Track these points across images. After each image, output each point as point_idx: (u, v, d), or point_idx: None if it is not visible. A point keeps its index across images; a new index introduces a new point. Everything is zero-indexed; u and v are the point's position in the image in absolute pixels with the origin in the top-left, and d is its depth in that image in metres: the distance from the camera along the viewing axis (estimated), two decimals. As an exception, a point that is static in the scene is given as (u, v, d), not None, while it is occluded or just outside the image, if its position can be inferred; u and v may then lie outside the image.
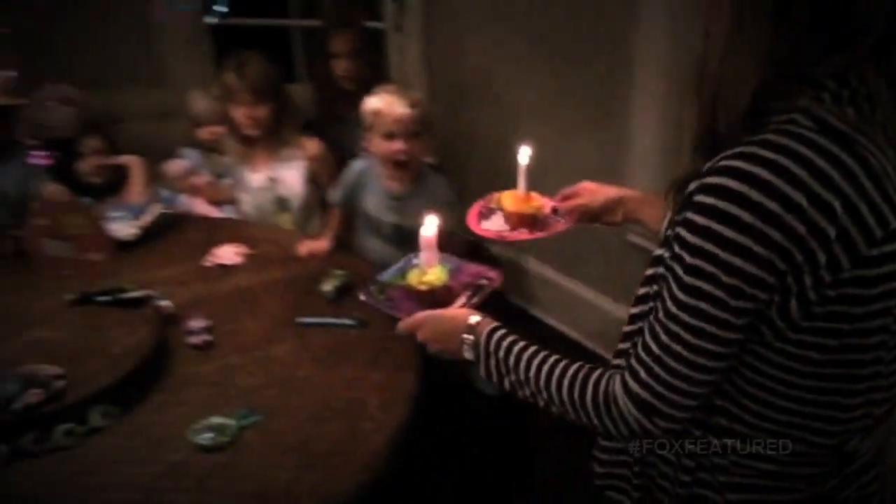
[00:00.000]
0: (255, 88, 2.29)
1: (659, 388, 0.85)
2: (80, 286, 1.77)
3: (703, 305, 0.80)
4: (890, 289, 0.79)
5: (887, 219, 0.76)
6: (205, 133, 2.58)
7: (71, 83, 2.41)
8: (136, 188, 2.38)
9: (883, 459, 1.00)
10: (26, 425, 1.37)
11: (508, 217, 1.48)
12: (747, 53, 0.78)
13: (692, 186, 0.79)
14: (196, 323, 1.73)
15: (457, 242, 2.19)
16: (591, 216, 1.40)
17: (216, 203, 2.60)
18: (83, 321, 1.68)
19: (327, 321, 1.75)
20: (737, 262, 0.76)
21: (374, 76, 2.41)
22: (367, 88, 2.13)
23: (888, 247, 0.77)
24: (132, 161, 2.41)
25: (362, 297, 1.40)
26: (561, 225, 1.45)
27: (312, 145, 2.43)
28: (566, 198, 1.43)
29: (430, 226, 1.24)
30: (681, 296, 0.81)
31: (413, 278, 1.28)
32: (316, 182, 2.44)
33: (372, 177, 2.14)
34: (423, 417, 1.52)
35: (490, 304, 1.28)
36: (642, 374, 0.86)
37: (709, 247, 0.77)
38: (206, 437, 1.38)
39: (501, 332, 1.07)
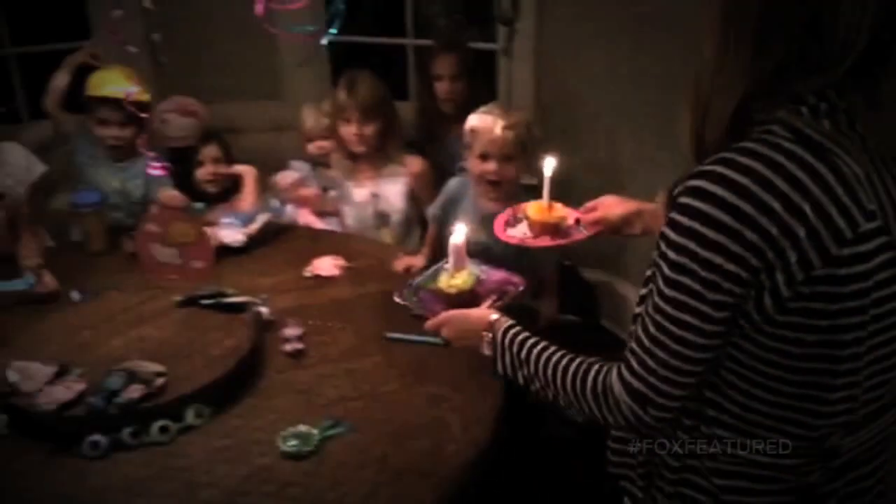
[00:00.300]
0: (363, 107, 2.34)
1: (650, 379, 0.92)
2: (186, 289, 1.87)
3: (684, 298, 0.87)
4: (862, 288, 0.85)
5: (857, 221, 0.83)
6: (313, 147, 2.67)
7: (195, 95, 2.56)
8: (248, 197, 2.49)
9: (882, 454, 1.02)
10: (126, 419, 1.45)
11: (532, 225, 1.58)
12: (732, 72, 0.87)
13: (678, 189, 0.86)
14: (291, 331, 1.79)
15: (551, 264, 2.17)
16: (612, 228, 1.49)
17: (321, 215, 2.67)
18: (186, 322, 1.77)
19: (415, 338, 1.77)
20: (714, 259, 0.83)
21: (476, 99, 2.43)
22: (467, 111, 2.14)
23: (859, 247, 0.83)
24: (246, 171, 2.52)
25: (396, 299, 1.50)
26: (581, 235, 1.54)
27: (415, 163, 2.46)
28: (589, 210, 1.52)
29: (458, 233, 1.36)
30: (666, 290, 0.88)
31: (442, 282, 1.40)
32: (416, 199, 2.47)
33: (467, 195, 2.15)
34: (505, 442, 1.51)
35: (581, 329, 1.29)
36: (635, 364, 0.93)
37: (690, 245, 0.84)
38: (291, 445, 1.42)
39: (516, 329, 1.16)
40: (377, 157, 2.46)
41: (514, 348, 1.13)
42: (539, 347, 1.09)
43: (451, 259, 1.38)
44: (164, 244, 1.80)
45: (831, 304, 0.85)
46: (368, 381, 1.65)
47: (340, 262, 2.16)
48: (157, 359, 1.59)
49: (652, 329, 0.91)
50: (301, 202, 2.66)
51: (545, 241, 1.57)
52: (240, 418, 1.53)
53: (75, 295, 1.96)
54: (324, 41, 1.42)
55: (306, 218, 2.61)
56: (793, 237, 0.81)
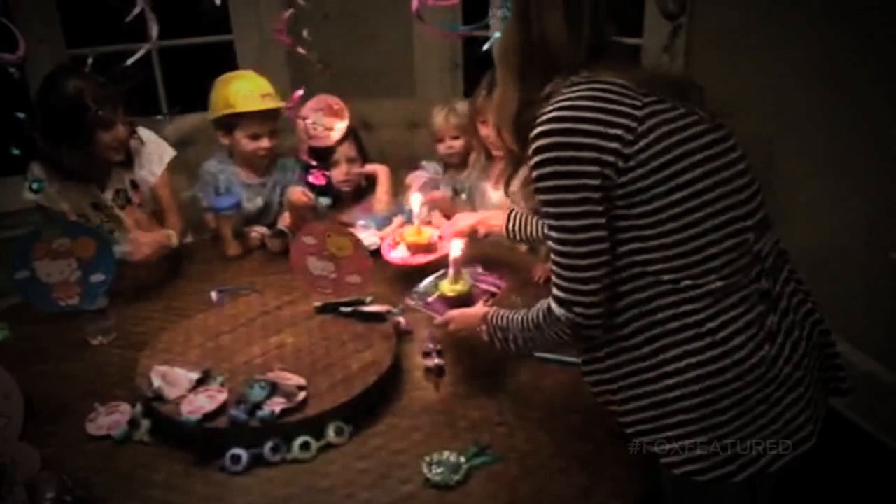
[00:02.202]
0: None
1: (567, 284, 1.21)
2: (324, 294, 1.82)
3: (560, 212, 1.20)
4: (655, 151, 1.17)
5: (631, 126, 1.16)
6: (443, 147, 2.57)
7: (328, 91, 2.52)
8: (383, 197, 2.43)
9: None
10: (267, 433, 1.40)
11: (409, 247, 1.99)
12: (510, 90, 1.31)
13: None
14: (431, 344, 1.69)
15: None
16: (464, 235, 1.95)
17: (451, 218, 2.58)
18: (324, 330, 1.71)
19: (564, 359, 1.64)
20: (569, 175, 1.17)
21: None
22: None
23: (641, 126, 1.16)
24: (380, 170, 2.46)
25: (407, 301, 1.76)
26: (444, 250, 1.93)
27: None
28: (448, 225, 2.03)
29: (456, 248, 1.70)
30: (550, 220, 1.21)
31: (444, 287, 1.70)
32: None
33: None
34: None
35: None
36: (555, 281, 1.24)
37: (551, 183, 1.19)
38: (437, 473, 1.33)
39: (500, 313, 1.45)
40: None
41: (500, 325, 1.43)
42: (511, 315, 1.41)
43: (451, 269, 1.69)
44: (319, 257, 1.75)
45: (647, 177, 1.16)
46: (514, 403, 1.54)
47: (479, 270, 2.05)
48: (295, 369, 1.54)
49: (554, 249, 1.21)
50: (432, 204, 2.58)
51: (420, 259, 1.96)
52: (380, 438, 1.45)
53: (214, 295, 1.95)
54: (486, 47, 1.35)
55: (438, 222, 2.52)
56: (602, 147, 1.15)
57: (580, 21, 1.24)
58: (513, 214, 1.91)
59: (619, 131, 1.15)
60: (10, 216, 2.79)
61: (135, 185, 2.22)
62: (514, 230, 1.92)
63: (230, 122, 2.31)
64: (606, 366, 1.27)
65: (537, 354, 1.67)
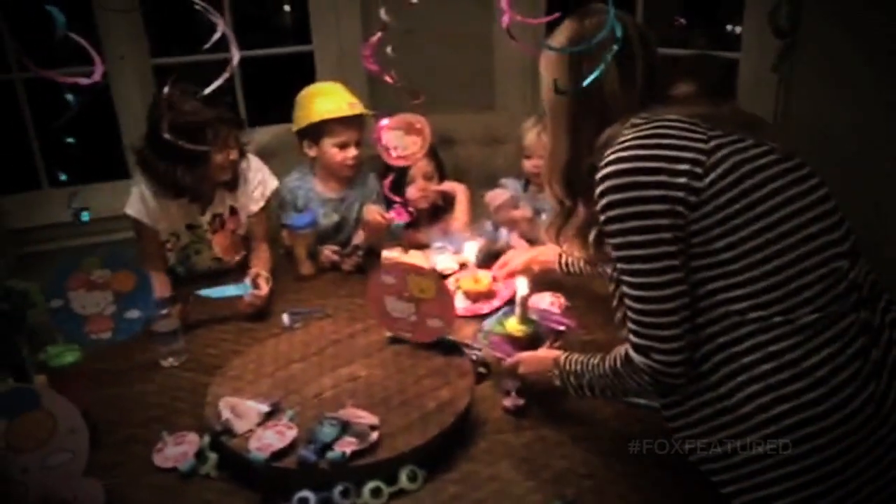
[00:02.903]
0: None
1: (644, 330, 1.16)
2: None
3: (638, 263, 1.16)
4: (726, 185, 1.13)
5: (699, 157, 1.14)
6: (530, 165, 2.46)
7: (406, 106, 2.44)
8: (461, 216, 2.34)
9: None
10: (337, 475, 1.32)
11: (467, 295, 1.93)
12: (560, 142, 1.32)
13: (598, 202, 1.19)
14: (511, 382, 1.59)
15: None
16: (518, 273, 1.90)
17: (531, 241, 2.47)
18: (398, 363, 1.62)
19: (654, 404, 1.51)
20: (643, 223, 1.14)
21: None
22: None
23: (710, 160, 1.13)
24: (458, 188, 2.38)
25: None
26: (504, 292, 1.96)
27: None
28: (500, 267, 2.01)
29: (522, 286, 1.66)
30: (623, 265, 1.18)
31: (511, 327, 1.63)
32: None
33: None
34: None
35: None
36: (632, 327, 1.18)
37: (623, 226, 1.16)
38: (517, 532, 1.22)
39: (573, 357, 1.40)
40: None
41: (573, 371, 1.38)
42: (585, 361, 1.36)
43: (518, 307, 1.64)
44: (399, 297, 1.66)
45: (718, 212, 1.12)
46: (602, 454, 1.41)
47: (560, 299, 1.94)
48: (367, 405, 1.46)
49: (629, 295, 1.17)
50: (510, 224, 2.47)
51: (483, 308, 1.91)
52: (456, 486, 1.35)
53: (286, 318, 1.89)
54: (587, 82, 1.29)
55: (517, 243, 2.41)
56: (671, 184, 1.12)
57: (633, 71, 1.24)
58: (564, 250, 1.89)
59: (686, 166, 1.12)
60: (57, 227, 2.81)
61: (233, 210, 2.19)
62: (566, 264, 1.91)
63: (317, 133, 2.26)
64: (694, 420, 1.20)
65: (627, 399, 1.55)
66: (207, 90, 1.20)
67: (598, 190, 1.17)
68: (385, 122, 1.84)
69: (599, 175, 1.17)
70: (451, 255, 2.10)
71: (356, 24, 3.21)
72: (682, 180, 1.11)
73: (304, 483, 1.31)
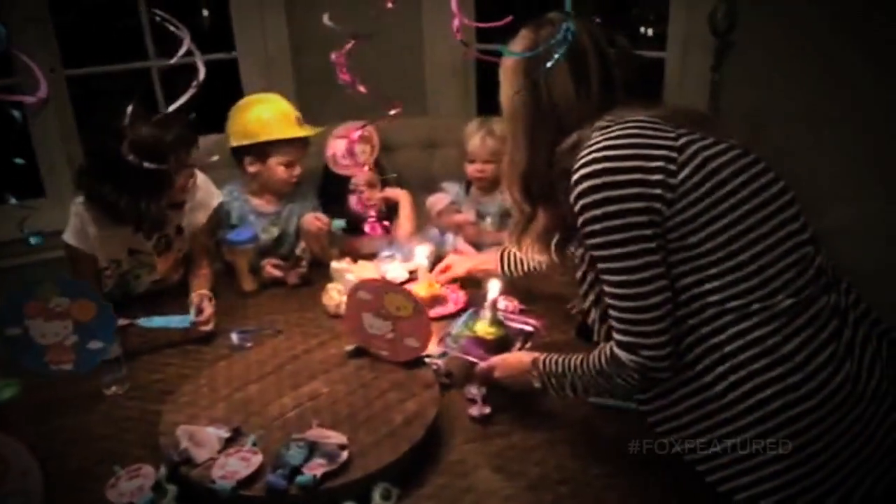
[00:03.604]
0: None
1: (629, 328, 1.17)
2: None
3: (619, 259, 1.16)
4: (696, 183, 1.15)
5: (672, 156, 1.15)
6: (473, 170, 2.45)
7: (337, 113, 2.39)
8: (405, 224, 2.31)
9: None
10: (308, 499, 1.27)
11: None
12: (519, 150, 1.32)
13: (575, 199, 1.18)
14: (475, 390, 1.57)
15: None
16: (462, 279, 1.96)
17: (476, 245, 2.45)
18: (360, 377, 1.58)
19: (627, 405, 1.52)
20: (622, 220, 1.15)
21: None
22: None
23: (682, 158, 1.15)
24: (401, 195, 2.34)
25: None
26: (455, 301, 1.97)
27: None
28: (442, 272, 1.99)
29: (494, 289, 1.70)
30: (604, 264, 1.18)
31: (481, 330, 1.64)
32: None
33: None
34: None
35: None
36: (616, 326, 1.19)
37: (601, 226, 1.16)
38: (501, 546, 1.20)
39: (550, 358, 1.39)
40: None
41: (554, 371, 1.37)
42: (567, 361, 1.35)
43: (488, 310, 1.66)
44: (376, 314, 1.61)
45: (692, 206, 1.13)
46: (575, 458, 1.41)
47: (515, 303, 1.93)
48: (333, 423, 1.41)
49: (611, 293, 1.17)
50: (453, 228, 2.45)
51: (437, 312, 1.87)
52: (431, 501, 1.32)
53: (234, 337, 1.82)
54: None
55: (463, 247, 2.39)
56: (646, 181, 1.13)
57: (588, 78, 1.26)
58: (506, 254, 1.90)
59: (660, 163, 1.14)
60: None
61: (180, 229, 2.07)
62: (510, 269, 1.90)
63: (262, 151, 2.16)
64: (677, 412, 1.21)
65: (592, 399, 1.55)
66: (171, 108, 1.12)
67: (574, 192, 1.17)
68: (337, 130, 1.77)
69: (574, 178, 1.17)
70: (400, 263, 2.06)
71: (282, 31, 3.14)
72: (657, 177, 1.13)
73: (275, 510, 1.26)
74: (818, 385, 1.12)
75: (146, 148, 1.74)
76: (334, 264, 2.02)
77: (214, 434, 1.38)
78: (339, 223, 2.16)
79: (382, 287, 1.61)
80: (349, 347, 1.66)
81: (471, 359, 1.59)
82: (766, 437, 1.12)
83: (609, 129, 1.20)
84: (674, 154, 1.15)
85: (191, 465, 1.33)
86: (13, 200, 1.34)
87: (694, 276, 1.15)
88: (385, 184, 2.41)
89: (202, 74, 1.09)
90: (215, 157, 1.89)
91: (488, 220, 2.51)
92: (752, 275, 1.14)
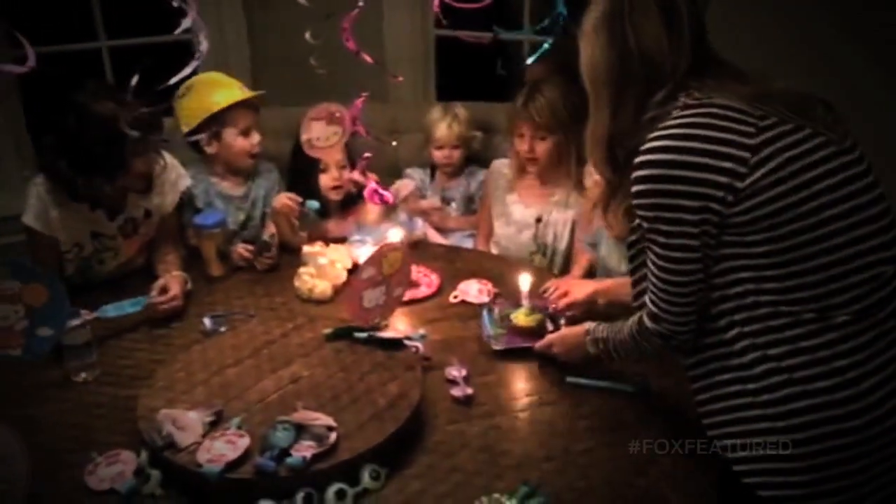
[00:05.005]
0: (537, 122, 2.11)
1: (657, 300, 1.21)
2: (334, 320, 1.69)
3: (664, 238, 1.16)
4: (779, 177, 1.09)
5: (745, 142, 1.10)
6: (440, 156, 2.46)
7: (293, 95, 2.34)
8: (374, 208, 2.29)
9: None
10: (298, 482, 1.26)
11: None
12: (602, 114, 1.26)
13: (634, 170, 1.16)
14: (455, 372, 1.59)
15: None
16: (580, 308, 1.75)
17: (441, 230, 2.46)
18: (340, 360, 1.57)
19: (601, 384, 1.55)
20: (673, 204, 1.13)
21: None
22: None
23: (758, 155, 1.09)
24: (370, 177, 2.32)
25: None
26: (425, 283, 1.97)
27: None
28: (560, 296, 1.78)
29: (525, 282, 1.78)
30: (652, 239, 1.19)
31: (522, 319, 1.73)
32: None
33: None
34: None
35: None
36: (650, 295, 1.23)
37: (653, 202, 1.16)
38: (493, 521, 1.21)
39: (599, 325, 1.48)
40: (551, 176, 2.23)
41: (602, 337, 1.44)
42: (610, 327, 1.43)
43: (524, 301, 1.76)
44: (375, 286, 1.61)
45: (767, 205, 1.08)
46: (557, 436, 1.44)
47: (489, 286, 1.95)
48: (317, 405, 1.40)
49: (652, 263, 1.20)
50: (419, 214, 2.45)
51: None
52: (419, 481, 1.33)
53: (207, 322, 1.78)
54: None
55: (430, 233, 2.40)
56: (709, 181, 1.09)
57: (680, 24, 1.17)
58: None
59: (729, 164, 1.08)
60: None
61: (148, 213, 2.01)
62: (633, 297, 1.56)
63: (216, 125, 2.11)
64: (720, 408, 1.19)
65: (569, 379, 1.58)
66: (172, 80, 1.09)
67: (636, 174, 1.15)
68: (311, 112, 1.75)
69: (639, 159, 1.15)
70: (371, 247, 2.05)
71: (238, 10, 3.07)
72: (721, 179, 1.09)
73: (264, 493, 1.25)
74: (867, 406, 1.07)
75: (99, 124, 1.71)
76: (306, 248, 2.00)
77: (197, 418, 1.36)
78: (313, 203, 2.13)
79: (380, 254, 1.63)
80: (326, 331, 1.64)
81: (521, 345, 1.68)
82: (800, 446, 1.09)
83: (687, 113, 1.13)
84: (746, 154, 1.09)
85: (175, 450, 1.30)
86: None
87: (749, 273, 1.12)
88: (353, 165, 2.39)
89: (204, 46, 1.06)
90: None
91: (453, 205, 2.53)
92: (813, 284, 1.09)
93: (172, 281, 1.86)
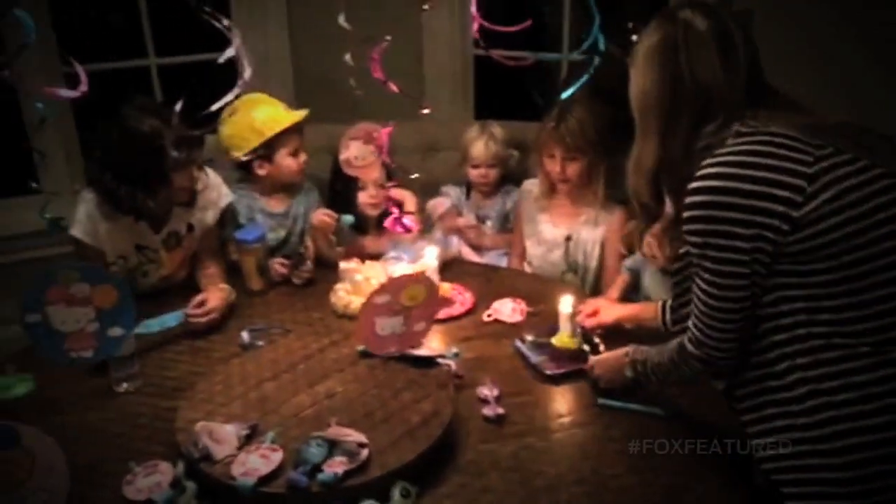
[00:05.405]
0: (568, 143, 2.11)
1: (701, 325, 1.21)
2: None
3: (713, 265, 1.16)
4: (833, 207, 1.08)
5: (803, 171, 1.09)
6: (476, 174, 2.47)
7: (338, 114, 2.39)
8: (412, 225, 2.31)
9: None
10: (330, 497, 1.28)
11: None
12: (650, 143, 1.25)
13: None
14: (487, 391, 1.59)
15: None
16: (608, 327, 1.78)
17: (477, 248, 2.48)
18: (374, 377, 1.59)
19: (633, 406, 1.55)
20: (723, 232, 1.13)
21: None
22: None
23: (813, 186, 1.08)
24: (406, 196, 2.34)
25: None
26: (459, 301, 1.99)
27: (619, 216, 2.17)
28: (590, 315, 1.79)
29: (566, 304, 1.74)
30: (701, 265, 1.18)
31: (562, 342, 1.74)
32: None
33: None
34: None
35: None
36: (694, 319, 1.23)
37: (703, 228, 1.15)
38: (523, 544, 1.22)
39: (640, 347, 1.46)
40: (580, 196, 2.23)
41: (640, 359, 1.43)
42: (649, 349, 1.42)
43: (567, 323, 1.74)
44: (390, 314, 1.60)
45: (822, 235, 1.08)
46: (588, 458, 1.43)
47: (522, 305, 1.96)
48: (350, 422, 1.42)
49: (699, 287, 1.19)
50: (455, 232, 2.47)
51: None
52: (450, 500, 1.34)
53: (245, 336, 1.82)
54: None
55: (466, 251, 2.42)
56: (765, 210, 1.09)
57: (736, 56, 1.17)
58: (668, 306, 1.63)
59: (786, 193, 1.08)
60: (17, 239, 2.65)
61: (191, 227, 2.06)
62: (672, 322, 1.57)
63: (268, 149, 2.16)
64: (768, 429, 1.19)
65: (601, 401, 1.58)
66: (214, 107, 1.13)
67: (689, 199, 1.15)
68: (351, 132, 1.78)
69: (693, 185, 1.15)
70: (406, 264, 2.08)
71: (283, 28, 3.14)
72: (778, 208, 1.09)
73: (296, 507, 1.27)
74: None
75: (142, 140, 1.77)
76: (343, 264, 2.03)
77: (233, 431, 1.38)
78: (348, 218, 2.16)
79: (402, 283, 1.62)
80: (361, 347, 1.66)
81: (562, 370, 1.68)
82: (853, 484, 1.08)
83: (743, 140, 1.14)
84: (803, 183, 1.08)
85: (210, 462, 1.33)
86: (34, 185, 1.33)
87: (803, 304, 1.12)
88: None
89: (248, 74, 1.09)
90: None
91: (489, 223, 2.54)
92: (870, 317, 1.08)
93: (212, 294, 1.90)
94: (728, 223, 1.11)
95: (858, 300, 1.09)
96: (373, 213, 2.29)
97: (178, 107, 1.22)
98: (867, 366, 1.08)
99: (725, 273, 1.14)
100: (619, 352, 1.52)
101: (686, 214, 1.16)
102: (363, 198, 2.26)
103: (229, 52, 1.11)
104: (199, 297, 1.89)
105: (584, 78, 1.35)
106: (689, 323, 1.24)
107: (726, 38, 1.17)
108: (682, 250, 1.26)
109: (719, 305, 1.17)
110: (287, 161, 2.19)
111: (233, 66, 1.30)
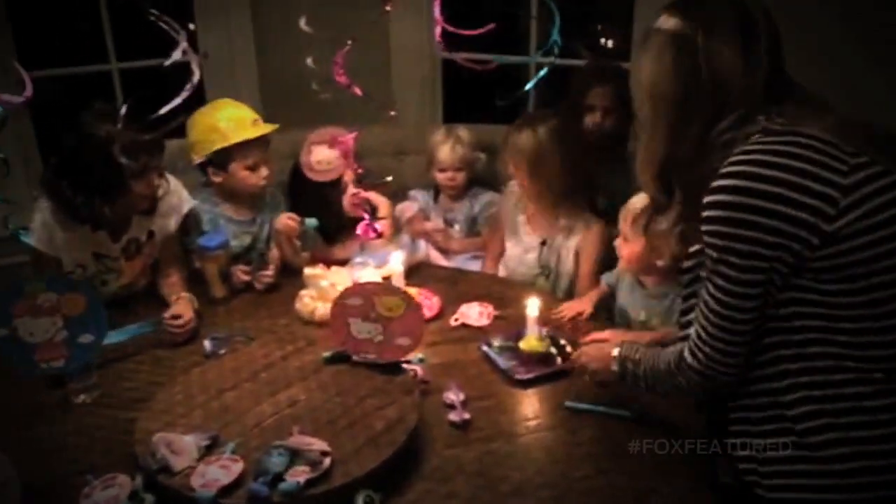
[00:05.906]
0: (526, 160, 2.07)
1: (707, 336, 1.13)
2: (332, 343, 1.68)
3: (727, 275, 1.09)
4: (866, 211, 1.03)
5: (836, 180, 1.02)
6: (443, 178, 2.46)
7: (304, 120, 2.37)
8: (385, 230, 2.29)
9: None
10: (291, 507, 1.26)
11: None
12: (659, 137, 1.18)
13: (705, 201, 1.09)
14: (453, 395, 1.58)
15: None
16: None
17: (444, 252, 2.46)
18: (338, 384, 1.57)
19: (600, 409, 1.54)
20: (745, 239, 1.06)
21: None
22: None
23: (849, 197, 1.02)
24: (381, 202, 2.30)
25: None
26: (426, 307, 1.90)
27: (596, 228, 2.13)
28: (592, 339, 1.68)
29: (533, 307, 1.73)
30: (712, 275, 1.11)
31: (530, 345, 1.71)
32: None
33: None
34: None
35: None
36: (698, 330, 1.15)
37: (723, 237, 1.08)
38: (487, 551, 1.20)
39: (634, 344, 1.40)
40: (554, 204, 2.16)
41: (633, 358, 1.35)
42: (644, 349, 1.35)
43: (535, 326, 1.73)
44: (365, 319, 1.59)
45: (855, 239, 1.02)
46: (556, 462, 1.43)
47: (489, 309, 1.95)
48: (313, 430, 1.40)
49: (707, 294, 1.12)
50: (423, 236, 2.45)
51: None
52: (414, 507, 1.32)
53: (207, 344, 1.79)
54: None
55: (434, 255, 2.40)
56: (791, 217, 1.02)
57: (757, 47, 1.09)
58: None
59: (818, 203, 1.01)
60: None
61: (151, 234, 2.02)
62: (679, 326, 1.49)
63: (223, 158, 2.11)
64: (769, 457, 1.14)
65: (568, 404, 1.57)
66: (164, 109, 1.10)
67: (711, 198, 1.07)
68: (314, 136, 1.75)
69: (717, 182, 1.06)
70: (373, 269, 2.05)
71: (247, 31, 3.11)
72: (809, 219, 1.02)
73: (257, 518, 1.24)
74: None
75: (98, 147, 1.73)
76: (307, 270, 2.00)
77: (192, 442, 1.35)
78: (312, 221, 2.13)
79: (375, 290, 1.61)
80: (326, 354, 1.64)
81: (527, 375, 1.66)
82: None
83: (773, 140, 1.05)
84: (837, 194, 1.01)
85: (169, 474, 1.30)
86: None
87: (819, 322, 1.07)
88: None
89: (196, 77, 1.07)
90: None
91: (457, 227, 2.53)
92: (888, 344, 1.05)
93: (183, 306, 1.87)
94: (752, 227, 1.03)
95: (879, 325, 1.04)
96: (352, 214, 2.24)
97: (122, 111, 1.18)
98: (878, 392, 1.05)
99: (741, 280, 1.06)
100: (607, 347, 1.44)
101: (706, 214, 1.08)
102: (346, 200, 2.21)
103: (176, 55, 1.08)
104: (171, 311, 1.85)
105: (543, 72, 1.33)
106: (692, 331, 1.16)
107: (749, 28, 1.09)
108: (692, 248, 1.18)
109: (730, 314, 1.09)
110: (241, 174, 2.12)
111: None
